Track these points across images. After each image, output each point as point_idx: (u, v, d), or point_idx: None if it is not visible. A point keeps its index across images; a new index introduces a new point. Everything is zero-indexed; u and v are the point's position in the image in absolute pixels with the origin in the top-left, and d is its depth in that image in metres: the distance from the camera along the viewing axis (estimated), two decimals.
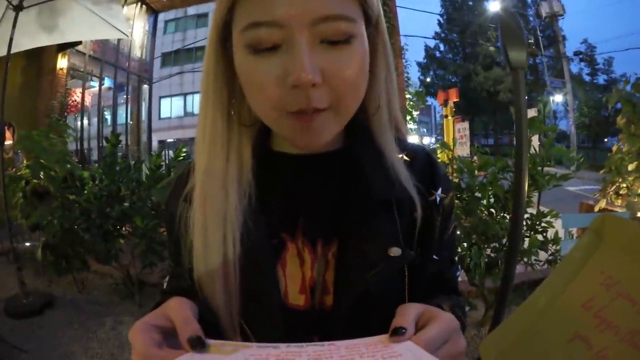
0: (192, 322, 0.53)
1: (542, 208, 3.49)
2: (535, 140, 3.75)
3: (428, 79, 42.94)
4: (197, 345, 0.50)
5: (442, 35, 43.14)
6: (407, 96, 10.41)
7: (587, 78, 35.38)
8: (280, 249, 0.72)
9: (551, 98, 30.39)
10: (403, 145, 0.79)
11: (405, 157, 0.77)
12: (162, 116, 31.90)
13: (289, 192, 0.74)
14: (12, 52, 3.96)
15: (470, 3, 39.84)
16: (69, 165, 4.38)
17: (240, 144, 0.72)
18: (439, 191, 0.78)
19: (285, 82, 0.58)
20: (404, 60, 9.92)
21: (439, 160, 4.11)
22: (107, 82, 13.30)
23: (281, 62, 0.58)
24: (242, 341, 0.65)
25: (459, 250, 3.32)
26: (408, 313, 0.54)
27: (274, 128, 0.67)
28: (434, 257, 0.78)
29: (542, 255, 3.43)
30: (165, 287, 0.87)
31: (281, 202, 0.73)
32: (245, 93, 0.65)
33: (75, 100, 10.78)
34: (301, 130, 0.63)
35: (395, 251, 0.68)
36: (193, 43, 28.53)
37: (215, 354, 0.50)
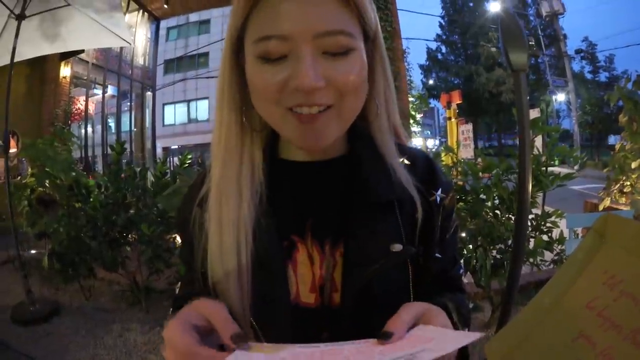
0: (231, 321, 0.57)
1: (547, 208, 3.48)
2: (538, 140, 3.75)
3: (430, 82, 42.96)
4: (241, 341, 0.54)
5: (444, 37, 43.23)
6: (410, 99, 10.41)
7: (588, 76, 35.38)
8: (291, 250, 0.76)
9: (554, 97, 30.39)
10: (404, 150, 0.83)
11: (406, 161, 0.81)
12: (165, 123, 32.01)
13: (298, 196, 0.79)
14: (15, 61, 3.99)
15: (471, 4, 39.90)
16: (74, 173, 4.39)
17: (252, 147, 0.77)
18: (439, 192, 0.81)
19: (288, 85, 0.64)
20: (406, 64, 9.92)
21: (443, 163, 4.11)
22: (111, 90, 13.33)
23: (287, 69, 0.64)
24: (252, 340, 0.69)
25: (465, 252, 3.31)
26: (403, 316, 0.58)
27: (279, 129, 0.72)
28: (437, 255, 0.81)
29: (548, 256, 3.42)
30: (177, 292, 0.90)
31: (290, 205, 0.78)
32: (252, 97, 0.71)
33: (79, 108, 10.81)
34: (305, 131, 0.68)
35: (396, 247, 0.73)
36: (195, 50, 28.58)
37: (261, 353, 0.53)
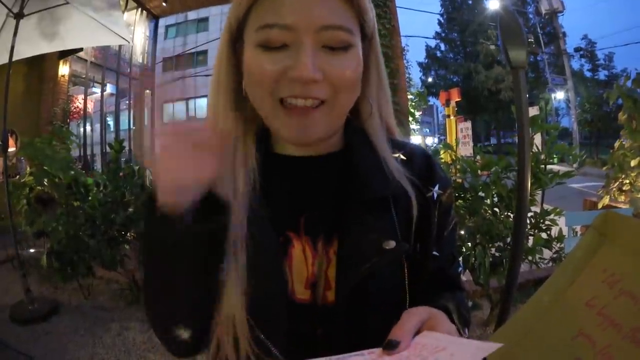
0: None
1: (546, 206, 3.48)
2: (537, 138, 3.74)
3: (430, 79, 42.97)
4: None
5: (443, 35, 43.16)
6: (409, 97, 10.38)
7: (588, 74, 35.37)
8: (286, 246, 0.75)
9: (553, 95, 30.35)
10: (400, 146, 0.84)
11: (402, 157, 0.82)
12: (164, 121, 31.95)
13: (291, 191, 0.79)
14: (13, 59, 3.98)
15: (470, 2, 39.84)
16: (72, 172, 4.38)
17: (246, 136, 0.78)
18: (436, 188, 0.82)
19: (286, 75, 0.66)
20: (405, 61, 9.90)
21: (442, 161, 4.11)
22: (109, 88, 13.29)
23: (287, 59, 0.66)
24: (248, 335, 0.70)
25: (464, 250, 3.31)
26: (407, 324, 0.57)
27: (269, 120, 0.73)
28: (434, 253, 0.81)
29: (547, 254, 3.42)
30: None
31: (284, 200, 0.77)
32: (247, 84, 0.73)
33: (78, 107, 10.79)
34: (294, 124, 0.69)
35: (390, 244, 0.72)
36: (194, 48, 28.51)
37: None
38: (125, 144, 4.62)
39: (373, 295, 0.72)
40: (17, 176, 5.40)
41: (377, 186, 0.75)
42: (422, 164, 0.83)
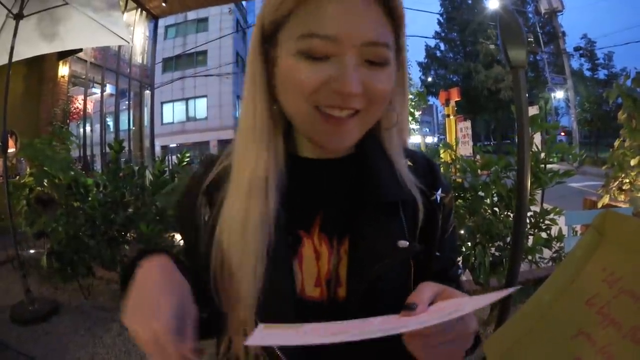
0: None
1: (545, 205, 3.48)
2: (537, 138, 3.74)
3: (429, 79, 43.02)
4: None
5: (442, 34, 43.17)
6: (409, 96, 10.39)
7: (587, 73, 35.40)
8: (296, 245, 0.78)
9: (552, 94, 30.34)
10: (406, 153, 0.86)
11: (409, 163, 0.84)
12: (164, 121, 31.92)
13: (307, 192, 0.80)
14: (13, 60, 3.98)
15: (470, 1, 39.86)
16: (72, 173, 4.38)
17: (277, 139, 0.78)
18: (439, 192, 0.85)
19: (327, 86, 0.66)
20: None
21: (442, 160, 4.12)
22: (109, 89, 13.25)
23: (329, 70, 0.66)
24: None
25: (464, 249, 3.31)
26: (424, 291, 0.60)
27: (303, 125, 0.73)
28: (436, 254, 0.84)
29: (547, 253, 3.42)
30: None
31: (298, 200, 0.79)
32: (282, 90, 0.72)
33: (78, 107, 10.76)
34: (331, 132, 0.70)
35: (403, 243, 0.75)
36: (194, 48, 28.54)
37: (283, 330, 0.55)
38: (125, 144, 4.62)
39: (383, 293, 0.74)
40: (17, 177, 5.40)
41: (389, 190, 0.77)
42: (426, 168, 0.86)
